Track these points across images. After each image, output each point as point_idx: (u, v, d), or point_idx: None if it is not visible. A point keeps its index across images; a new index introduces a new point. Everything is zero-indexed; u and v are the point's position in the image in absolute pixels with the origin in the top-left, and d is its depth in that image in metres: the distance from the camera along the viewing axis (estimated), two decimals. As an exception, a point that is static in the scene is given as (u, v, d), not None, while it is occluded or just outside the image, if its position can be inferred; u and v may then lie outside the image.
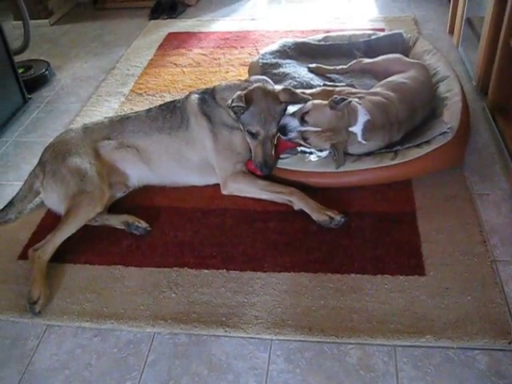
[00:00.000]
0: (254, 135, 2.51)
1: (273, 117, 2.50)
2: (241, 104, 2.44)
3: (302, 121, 2.48)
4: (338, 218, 2.37)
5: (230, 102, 2.46)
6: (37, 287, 2.16)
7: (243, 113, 2.48)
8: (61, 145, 2.60)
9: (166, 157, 2.65)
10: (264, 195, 2.55)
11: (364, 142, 2.49)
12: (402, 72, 2.85)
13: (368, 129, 2.47)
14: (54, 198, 2.48)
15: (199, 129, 2.63)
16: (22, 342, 2.05)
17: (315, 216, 2.40)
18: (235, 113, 2.51)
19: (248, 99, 2.47)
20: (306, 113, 2.48)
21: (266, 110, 2.48)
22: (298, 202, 2.45)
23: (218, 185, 2.64)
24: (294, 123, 2.49)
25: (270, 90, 2.55)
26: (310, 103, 2.51)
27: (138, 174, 2.67)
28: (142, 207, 2.62)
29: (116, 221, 2.48)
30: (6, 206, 2.55)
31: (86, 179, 2.42)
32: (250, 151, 2.59)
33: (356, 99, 2.53)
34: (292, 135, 2.51)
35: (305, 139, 2.50)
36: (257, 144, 2.52)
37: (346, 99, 2.41)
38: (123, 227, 2.46)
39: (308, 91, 2.83)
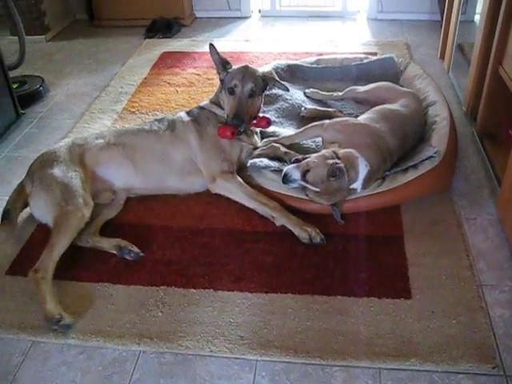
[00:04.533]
0: (231, 90, 2.66)
1: (251, 77, 2.69)
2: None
3: (304, 177, 2.41)
4: (318, 238, 2.40)
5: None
6: (52, 305, 2.13)
7: (227, 74, 2.72)
8: (49, 154, 2.62)
9: (149, 155, 2.70)
10: (248, 202, 2.58)
11: (362, 190, 2.47)
12: (394, 100, 2.88)
13: (368, 179, 2.45)
14: (41, 206, 2.46)
15: (185, 129, 2.74)
16: (7, 358, 2.04)
17: (297, 231, 2.43)
18: (222, 78, 2.75)
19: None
20: (308, 171, 2.40)
21: (245, 71, 2.71)
22: (280, 218, 2.48)
23: (208, 204, 2.66)
24: (296, 175, 2.42)
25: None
26: (313, 161, 2.41)
27: (122, 173, 2.69)
28: (130, 225, 2.62)
29: (108, 244, 2.45)
30: (5, 216, 2.50)
31: (71, 188, 2.43)
32: (235, 150, 2.73)
33: (354, 151, 2.46)
34: (293, 185, 2.47)
35: (306, 194, 2.47)
36: (233, 99, 2.67)
37: (342, 169, 2.33)
38: (114, 251, 2.43)
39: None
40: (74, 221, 2.36)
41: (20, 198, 2.55)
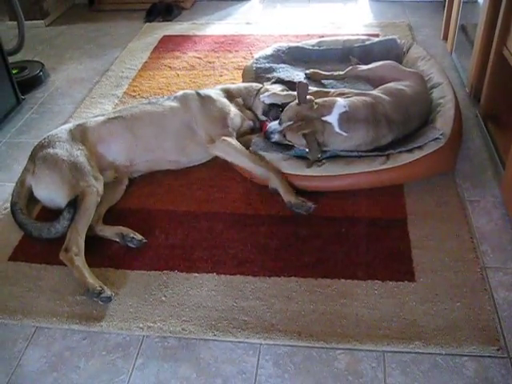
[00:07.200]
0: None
1: None
2: None
3: (280, 122, 2.59)
4: (310, 203, 2.44)
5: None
6: (91, 280, 2.15)
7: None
8: (50, 137, 2.62)
9: (148, 121, 2.74)
10: (246, 163, 2.63)
11: (344, 133, 2.52)
12: (398, 80, 2.85)
13: (345, 119, 2.51)
14: (47, 184, 2.44)
15: (187, 97, 2.86)
16: (11, 344, 2.04)
17: (287, 197, 2.47)
18: None
19: None
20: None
21: None
22: (275, 180, 2.51)
23: (210, 188, 2.66)
24: (275, 126, 2.63)
25: None
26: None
27: (123, 145, 2.68)
28: (133, 211, 2.61)
29: (110, 233, 2.43)
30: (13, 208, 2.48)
31: (79, 165, 2.44)
32: (237, 120, 2.85)
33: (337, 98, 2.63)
34: (275, 137, 2.64)
35: (284, 137, 2.60)
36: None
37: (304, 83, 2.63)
38: (117, 239, 2.41)
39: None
40: (91, 197, 2.37)
41: (24, 189, 2.52)
